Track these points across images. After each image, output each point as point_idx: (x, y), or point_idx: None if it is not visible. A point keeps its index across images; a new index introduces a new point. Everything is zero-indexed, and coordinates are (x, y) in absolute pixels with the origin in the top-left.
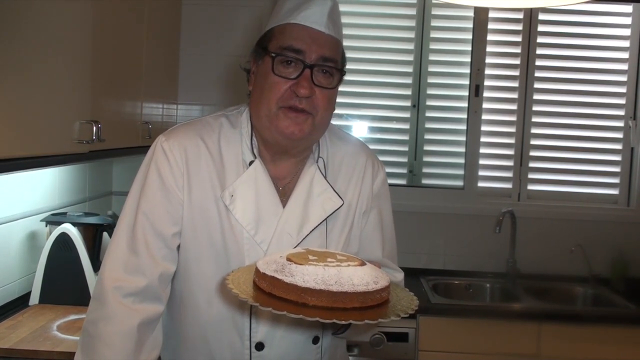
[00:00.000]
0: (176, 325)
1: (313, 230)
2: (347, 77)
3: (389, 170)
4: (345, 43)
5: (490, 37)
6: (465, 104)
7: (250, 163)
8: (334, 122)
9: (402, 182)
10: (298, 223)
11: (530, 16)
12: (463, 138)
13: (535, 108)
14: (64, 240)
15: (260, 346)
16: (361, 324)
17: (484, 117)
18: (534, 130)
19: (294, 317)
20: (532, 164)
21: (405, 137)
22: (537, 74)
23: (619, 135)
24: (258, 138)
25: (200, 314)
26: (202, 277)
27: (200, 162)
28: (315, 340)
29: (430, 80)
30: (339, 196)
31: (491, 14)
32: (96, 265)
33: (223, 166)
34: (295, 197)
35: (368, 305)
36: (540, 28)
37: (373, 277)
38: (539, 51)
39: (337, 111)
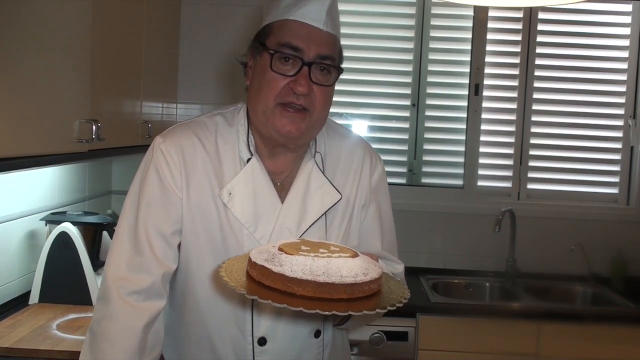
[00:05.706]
0: (179, 324)
1: (312, 224)
2: (347, 77)
3: (388, 169)
4: (345, 42)
5: (490, 36)
6: (465, 103)
7: (248, 160)
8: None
9: (402, 181)
10: (297, 218)
11: (530, 15)
12: (463, 137)
13: (535, 107)
14: (63, 240)
15: (262, 341)
16: (356, 315)
17: (484, 116)
18: (533, 129)
19: (277, 306)
20: (531, 163)
21: (405, 136)
22: (537, 73)
23: (619, 134)
24: (255, 134)
25: (201, 311)
26: (203, 275)
27: (198, 161)
28: (317, 334)
29: (430, 79)
30: (337, 190)
31: (491, 13)
32: (96, 264)
33: (220, 164)
34: (294, 192)
35: (356, 296)
36: (540, 27)
37: (363, 269)
38: (539, 50)
39: (337, 110)
